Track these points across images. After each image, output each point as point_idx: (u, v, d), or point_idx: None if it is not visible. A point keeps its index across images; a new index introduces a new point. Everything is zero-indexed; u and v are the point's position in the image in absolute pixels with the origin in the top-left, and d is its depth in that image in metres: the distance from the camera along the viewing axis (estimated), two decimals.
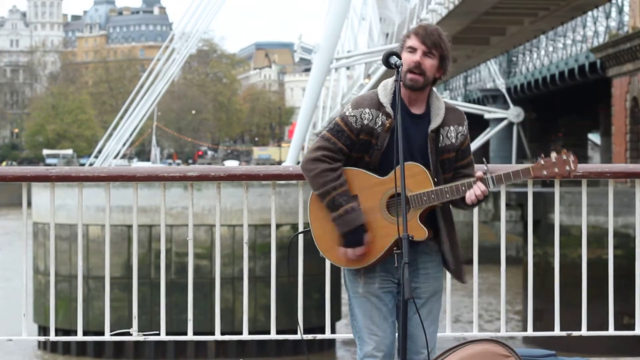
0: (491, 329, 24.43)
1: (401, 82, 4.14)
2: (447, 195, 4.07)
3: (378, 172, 4.12)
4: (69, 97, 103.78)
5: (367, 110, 4.13)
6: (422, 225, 4.09)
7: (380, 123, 4.11)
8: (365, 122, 4.11)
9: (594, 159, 70.84)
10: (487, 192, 4.08)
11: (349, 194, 4.09)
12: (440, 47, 4.13)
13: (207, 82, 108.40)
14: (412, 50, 4.12)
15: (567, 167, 4.14)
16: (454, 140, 4.16)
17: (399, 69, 4.05)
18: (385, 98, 4.14)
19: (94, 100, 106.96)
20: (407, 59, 4.12)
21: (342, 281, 4.38)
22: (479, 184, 4.08)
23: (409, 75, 4.09)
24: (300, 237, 5.06)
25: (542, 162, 4.15)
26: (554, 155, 4.16)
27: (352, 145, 4.13)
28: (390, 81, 4.20)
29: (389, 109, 4.12)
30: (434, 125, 4.12)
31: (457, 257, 4.24)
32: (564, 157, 4.15)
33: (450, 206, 4.25)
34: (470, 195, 4.07)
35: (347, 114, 4.15)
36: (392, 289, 4.20)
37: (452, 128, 4.16)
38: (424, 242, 4.14)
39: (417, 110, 4.15)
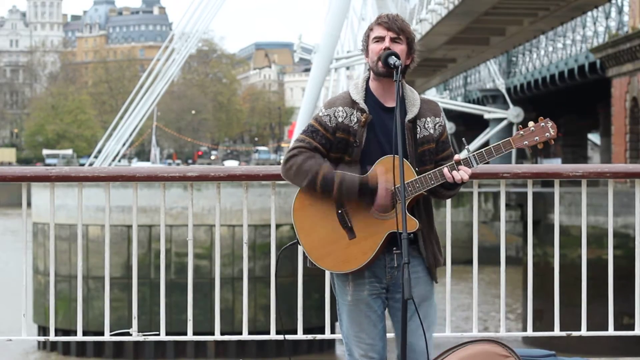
0: (491, 329, 24.43)
1: (372, 75, 4.13)
2: (432, 182, 4.04)
3: (360, 171, 4.09)
4: (68, 97, 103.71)
5: (340, 108, 4.11)
6: (411, 217, 4.05)
7: (355, 120, 4.09)
8: (340, 119, 4.09)
9: (593, 159, 70.85)
10: (470, 172, 4.05)
11: (333, 170, 4.06)
12: (407, 31, 4.12)
13: (206, 82, 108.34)
14: (380, 39, 4.11)
15: (547, 134, 4.11)
16: (432, 131, 4.14)
17: (398, 69, 4.03)
18: (357, 95, 4.12)
19: (94, 100, 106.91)
20: (376, 48, 4.10)
21: (331, 286, 4.33)
22: (462, 165, 4.05)
23: (380, 63, 4.07)
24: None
25: (522, 132, 4.12)
26: (531, 124, 4.13)
27: (329, 145, 4.10)
28: (360, 80, 4.20)
29: (362, 105, 4.10)
30: (410, 115, 4.10)
31: (433, 254, 4.18)
32: (542, 124, 4.12)
33: (433, 200, 4.22)
34: (456, 176, 4.02)
35: (320, 114, 4.13)
36: (381, 294, 4.16)
37: (429, 119, 4.14)
38: (411, 246, 4.09)
39: (390, 103, 4.12)
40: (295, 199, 4.15)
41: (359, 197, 4.02)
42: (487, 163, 4.15)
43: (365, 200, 4.04)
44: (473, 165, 4.07)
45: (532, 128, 4.11)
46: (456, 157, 4.06)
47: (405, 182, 4.00)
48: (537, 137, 4.11)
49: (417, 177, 4.04)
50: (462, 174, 4.02)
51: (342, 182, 4.02)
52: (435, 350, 4.27)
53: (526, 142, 4.12)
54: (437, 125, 4.16)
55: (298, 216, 4.14)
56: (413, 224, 4.04)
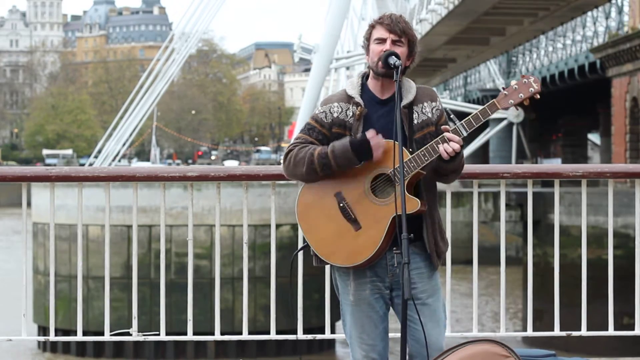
0: (491, 329, 24.42)
1: (371, 73, 4.15)
2: (426, 158, 4.03)
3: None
4: (68, 97, 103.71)
5: (335, 104, 4.15)
6: (412, 196, 4.05)
7: (351, 114, 4.12)
8: (335, 114, 4.13)
9: (593, 159, 70.87)
10: (461, 141, 4.05)
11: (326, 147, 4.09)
12: (409, 33, 4.13)
13: (206, 82, 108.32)
14: (381, 41, 4.12)
15: (531, 89, 4.09)
16: (430, 115, 4.16)
17: (399, 69, 4.04)
18: (353, 90, 4.16)
19: (94, 100, 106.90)
20: (377, 49, 4.11)
21: (332, 287, 4.34)
22: (452, 135, 4.04)
23: (380, 64, 4.08)
24: (300, 233, 5.04)
25: (505, 92, 4.12)
26: (514, 82, 4.12)
27: (326, 140, 4.12)
28: (355, 77, 4.22)
29: (358, 99, 4.13)
30: (406, 101, 4.12)
31: (435, 238, 4.17)
32: (525, 80, 4.11)
33: (437, 184, 4.23)
34: (447, 148, 4.02)
35: (316, 112, 4.18)
36: (384, 295, 4.16)
37: (425, 104, 4.17)
38: (414, 242, 4.09)
39: (386, 95, 4.16)
40: (297, 201, 4.16)
41: (355, 155, 4.02)
42: (476, 128, 4.15)
43: (364, 157, 4.03)
44: (462, 134, 4.06)
45: (515, 86, 4.11)
46: (444, 127, 4.06)
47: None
48: (521, 94, 4.09)
49: (410, 156, 4.04)
50: (453, 144, 4.03)
51: (334, 149, 4.04)
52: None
53: (511, 100, 4.10)
54: (434, 109, 4.18)
55: (302, 218, 4.16)
56: (414, 204, 4.04)
